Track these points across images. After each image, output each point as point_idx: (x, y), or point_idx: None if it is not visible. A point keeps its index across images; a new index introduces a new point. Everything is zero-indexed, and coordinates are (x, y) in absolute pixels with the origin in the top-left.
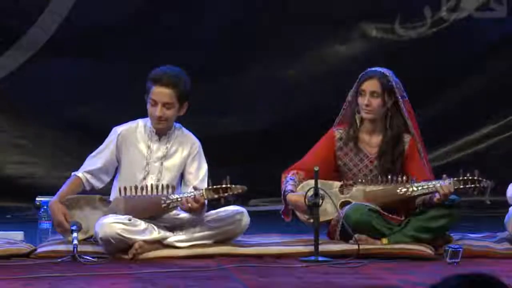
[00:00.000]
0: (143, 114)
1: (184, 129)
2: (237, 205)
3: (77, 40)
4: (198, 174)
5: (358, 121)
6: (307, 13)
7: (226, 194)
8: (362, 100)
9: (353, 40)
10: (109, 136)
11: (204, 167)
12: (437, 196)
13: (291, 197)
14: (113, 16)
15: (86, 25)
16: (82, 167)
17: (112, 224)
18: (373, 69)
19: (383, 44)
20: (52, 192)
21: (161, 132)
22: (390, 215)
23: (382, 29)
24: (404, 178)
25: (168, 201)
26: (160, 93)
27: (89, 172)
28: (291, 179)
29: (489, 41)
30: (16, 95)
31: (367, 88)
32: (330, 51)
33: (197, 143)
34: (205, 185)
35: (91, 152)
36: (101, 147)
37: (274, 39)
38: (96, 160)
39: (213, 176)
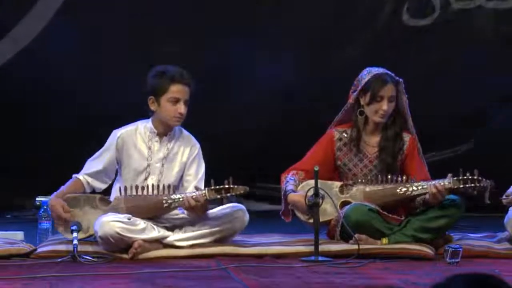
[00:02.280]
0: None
1: (184, 130)
2: (237, 202)
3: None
4: (197, 175)
5: (361, 124)
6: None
7: (228, 195)
8: (380, 106)
9: (358, 30)
10: (109, 139)
11: (202, 168)
12: (427, 196)
13: (292, 197)
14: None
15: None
16: (82, 170)
17: (111, 223)
18: (379, 72)
19: (390, 33)
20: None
21: (162, 133)
22: (390, 215)
23: (389, 18)
24: (404, 178)
25: (169, 201)
26: (182, 90)
27: (89, 174)
28: (291, 179)
29: (499, 32)
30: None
31: (386, 93)
32: (333, 41)
33: (197, 145)
34: (202, 185)
35: (91, 153)
36: (101, 150)
37: (274, 34)
38: (97, 163)
39: (213, 176)
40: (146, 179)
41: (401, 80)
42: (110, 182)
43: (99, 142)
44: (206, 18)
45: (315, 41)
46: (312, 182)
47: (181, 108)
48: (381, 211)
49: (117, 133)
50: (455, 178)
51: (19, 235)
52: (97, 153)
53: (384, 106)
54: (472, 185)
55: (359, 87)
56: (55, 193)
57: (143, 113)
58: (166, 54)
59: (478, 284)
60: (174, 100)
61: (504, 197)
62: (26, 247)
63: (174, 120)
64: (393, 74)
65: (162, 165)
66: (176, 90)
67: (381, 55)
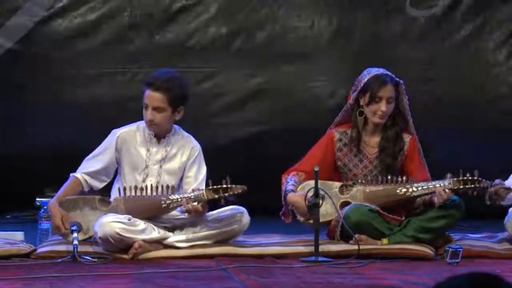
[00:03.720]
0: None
1: (184, 132)
2: (237, 204)
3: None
4: (197, 178)
5: (360, 124)
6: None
7: (226, 194)
8: (379, 107)
9: (362, 20)
10: (107, 138)
11: (203, 170)
12: (436, 201)
13: (291, 197)
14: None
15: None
16: (80, 168)
17: (111, 223)
18: (379, 73)
19: (393, 24)
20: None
21: (160, 135)
22: (390, 215)
23: (392, 9)
24: (404, 178)
25: (168, 202)
26: (151, 97)
27: (88, 173)
28: (291, 179)
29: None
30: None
31: (384, 95)
32: (336, 32)
33: (197, 147)
34: (203, 187)
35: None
36: (99, 148)
37: (274, 30)
38: (95, 161)
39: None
40: (144, 180)
41: (401, 81)
42: (108, 181)
43: (99, 141)
44: None
45: (314, 38)
46: (312, 182)
47: (148, 114)
48: (381, 211)
49: (117, 133)
50: (455, 179)
51: (19, 235)
52: (95, 152)
53: (383, 107)
54: (472, 186)
55: (359, 87)
56: (55, 196)
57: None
58: None
59: (480, 284)
60: (145, 106)
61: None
62: (26, 248)
63: (146, 125)
64: (393, 75)
65: (160, 166)
66: (146, 95)
67: (383, 49)
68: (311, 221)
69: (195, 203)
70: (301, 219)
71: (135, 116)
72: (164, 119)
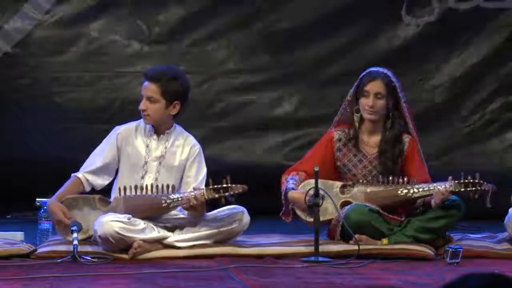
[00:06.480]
0: None
1: (184, 131)
2: (237, 204)
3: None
4: (198, 177)
5: (357, 121)
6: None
7: (226, 194)
8: (366, 101)
9: (358, 27)
10: (109, 135)
11: (204, 170)
12: (433, 201)
13: (292, 194)
14: None
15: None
16: (82, 167)
17: (111, 223)
18: (375, 69)
19: (390, 32)
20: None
21: (159, 131)
22: (390, 216)
23: (388, 17)
24: (405, 179)
25: (168, 201)
26: (145, 87)
27: (89, 172)
28: (292, 178)
29: (497, 31)
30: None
31: (372, 89)
32: (334, 38)
33: (197, 146)
34: (202, 187)
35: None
36: (100, 147)
37: (277, 35)
38: (96, 159)
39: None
40: (143, 177)
41: (396, 83)
42: (110, 180)
43: (98, 142)
44: None
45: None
46: (313, 181)
47: (141, 104)
48: (381, 211)
49: (117, 130)
50: (456, 181)
51: (19, 235)
52: (96, 150)
53: (370, 101)
54: (474, 188)
55: (355, 83)
56: (54, 195)
57: None
58: None
59: (491, 283)
60: (142, 97)
61: None
62: (26, 248)
63: (142, 116)
64: (390, 75)
65: (159, 163)
66: (143, 86)
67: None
68: (311, 220)
69: (195, 202)
70: (302, 215)
71: (134, 118)
72: (157, 111)
